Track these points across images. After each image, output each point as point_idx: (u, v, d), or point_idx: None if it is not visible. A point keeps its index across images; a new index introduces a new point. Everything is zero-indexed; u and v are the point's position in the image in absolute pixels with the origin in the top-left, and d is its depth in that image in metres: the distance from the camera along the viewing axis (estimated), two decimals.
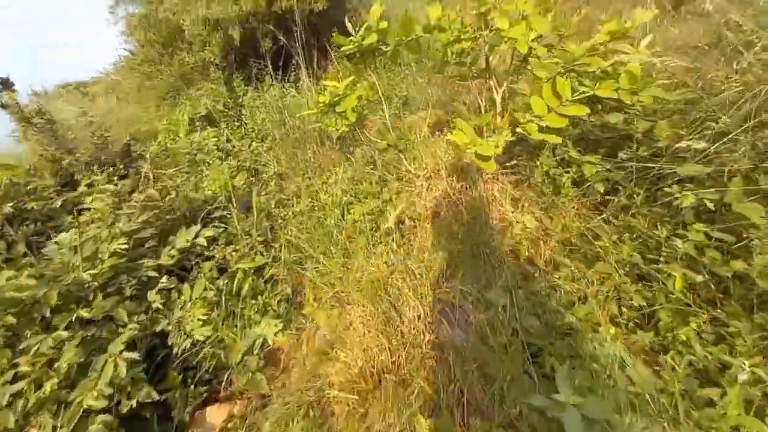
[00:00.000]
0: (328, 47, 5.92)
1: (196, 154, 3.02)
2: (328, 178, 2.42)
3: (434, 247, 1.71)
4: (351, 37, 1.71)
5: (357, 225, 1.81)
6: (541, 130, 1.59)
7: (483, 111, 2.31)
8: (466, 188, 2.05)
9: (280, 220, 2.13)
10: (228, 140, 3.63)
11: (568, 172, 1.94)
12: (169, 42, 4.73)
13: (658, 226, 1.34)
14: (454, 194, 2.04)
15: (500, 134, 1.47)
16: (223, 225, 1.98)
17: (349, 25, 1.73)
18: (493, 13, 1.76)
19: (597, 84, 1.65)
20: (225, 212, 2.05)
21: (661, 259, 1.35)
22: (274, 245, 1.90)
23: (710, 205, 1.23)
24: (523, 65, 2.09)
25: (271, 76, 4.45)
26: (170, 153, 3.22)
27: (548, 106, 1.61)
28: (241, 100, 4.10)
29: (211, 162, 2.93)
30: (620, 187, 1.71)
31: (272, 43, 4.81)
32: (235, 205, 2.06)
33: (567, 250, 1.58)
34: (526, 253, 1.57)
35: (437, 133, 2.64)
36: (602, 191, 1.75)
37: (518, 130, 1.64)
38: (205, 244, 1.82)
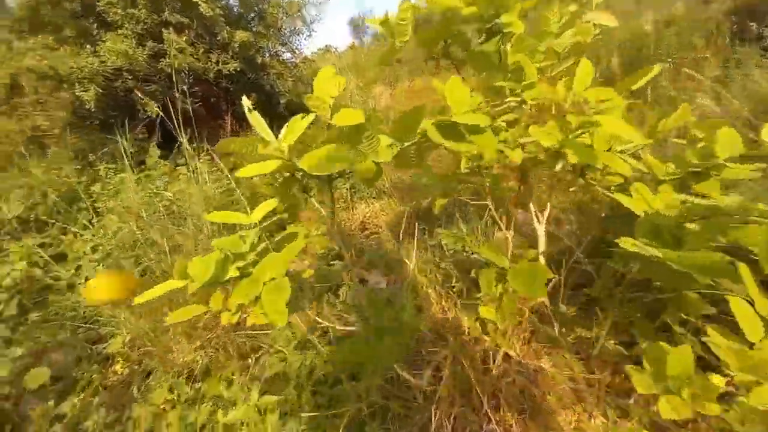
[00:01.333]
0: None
1: None
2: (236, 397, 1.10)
3: None
4: (270, 148, 0.61)
5: None
6: None
7: (510, 251, 1.34)
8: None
9: None
10: (40, 265, 2.04)
11: None
12: None
13: None
14: None
15: None
16: None
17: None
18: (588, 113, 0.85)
19: None
20: None
21: None
22: None
23: None
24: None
25: (155, 152, 3.07)
26: None
27: None
28: (88, 190, 2.56)
29: None
30: None
31: (162, 108, 3.50)
32: None
33: None
34: None
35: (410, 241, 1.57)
36: None
37: None
38: None
